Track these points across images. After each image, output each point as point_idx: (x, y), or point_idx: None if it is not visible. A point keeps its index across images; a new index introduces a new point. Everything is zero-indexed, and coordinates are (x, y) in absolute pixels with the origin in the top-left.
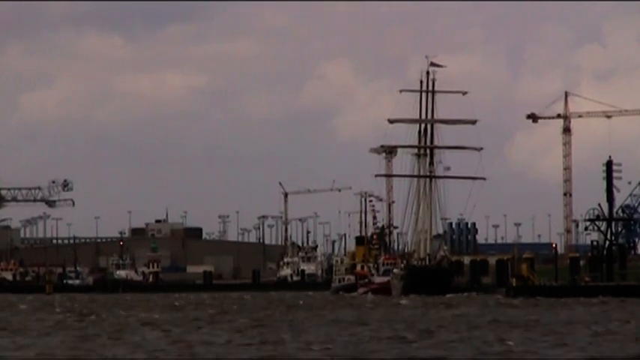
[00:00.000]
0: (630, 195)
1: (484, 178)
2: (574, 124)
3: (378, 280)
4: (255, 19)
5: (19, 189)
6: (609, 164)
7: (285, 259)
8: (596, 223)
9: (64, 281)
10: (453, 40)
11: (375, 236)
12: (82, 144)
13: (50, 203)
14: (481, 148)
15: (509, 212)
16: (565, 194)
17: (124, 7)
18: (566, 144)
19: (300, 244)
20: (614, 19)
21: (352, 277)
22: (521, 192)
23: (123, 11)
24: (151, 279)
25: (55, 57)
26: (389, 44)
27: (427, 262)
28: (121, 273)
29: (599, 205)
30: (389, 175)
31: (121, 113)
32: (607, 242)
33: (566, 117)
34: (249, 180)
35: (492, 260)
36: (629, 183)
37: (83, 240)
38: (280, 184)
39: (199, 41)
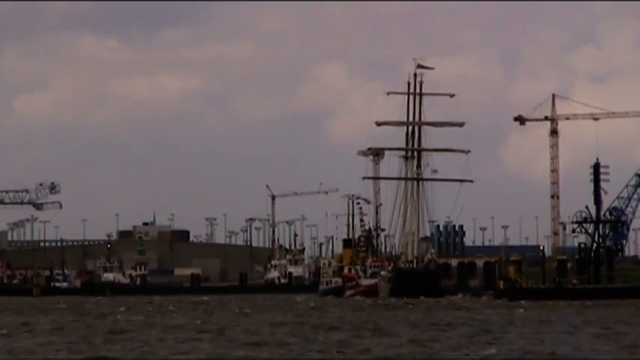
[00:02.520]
0: (618, 197)
1: (471, 181)
2: (562, 126)
3: (365, 282)
4: (250, 22)
5: (7, 191)
6: (596, 166)
7: (273, 262)
8: (584, 225)
9: (52, 284)
10: (448, 43)
11: (362, 239)
12: (73, 147)
13: (37, 206)
14: (468, 151)
15: (497, 215)
16: (552, 196)
17: (120, 10)
18: (554, 146)
19: (288, 247)
20: (609, 22)
21: (339, 280)
22: (509, 194)
23: (119, 14)
24: (138, 282)
25: (50, 60)
26: (384, 46)
27: (414, 265)
28: (109, 276)
29: (587, 207)
30: (376, 178)
31: (114, 116)
32: (594, 244)
33: (553, 119)
34: (236, 183)
35: (480, 263)
36: None
37: (70, 243)
38: (267, 186)
39: (194, 44)
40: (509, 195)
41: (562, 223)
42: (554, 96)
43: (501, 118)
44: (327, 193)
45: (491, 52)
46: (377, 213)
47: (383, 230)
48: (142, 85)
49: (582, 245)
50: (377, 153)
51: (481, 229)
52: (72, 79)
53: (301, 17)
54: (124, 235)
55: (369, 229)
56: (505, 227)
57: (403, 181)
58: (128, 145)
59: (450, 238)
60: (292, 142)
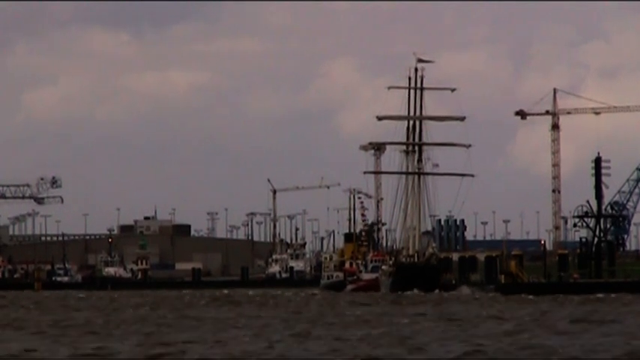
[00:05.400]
0: (619, 192)
1: (473, 175)
2: (564, 121)
3: (366, 276)
4: (260, 18)
5: (8, 186)
6: (598, 161)
7: (274, 256)
8: (585, 219)
9: (53, 278)
10: (458, 39)
11: (363, 233)
12: (79, 142)
13: (39, 200)
14: (470, 145)
15: (498, 209)
16: (554, 191)
17: (131, 5)
18: (555, 141)
19: (289, 241)
20: (617, 18)
21: (341, 274)
22: (511, 189)
23: (129, 9)
24: (139, 276)
25: (60, 54)
26: (394, 42)
27: (416, 259)
28: (110, 270)
29: (588, 201)
30: (377, 172)
31: (124, 111)
32: (596, 239)
33: (554, 114)
34: (237, 177)
35: (481, 257)
36: None
37: (72, 237)
38: (269, 180)
39: (204, 39)
40: (510, 189)
41: (563, 218)
42: (555, 90)
43: (505, 112)
44: (328, 187)
45: (501, 47)
46: (378, 207)
47: (384, 224)
48: (151, 79)
49: (583, 240)
50: (378, 147)
51: (482, 223)
52: (82, 73)
53: (310, 13)
54: (125, 229)
55: (371, 223)
56: (506, 222)
57: (404, 176)
58: (133, 139)
59: (451, 232)
60: (300, 137)
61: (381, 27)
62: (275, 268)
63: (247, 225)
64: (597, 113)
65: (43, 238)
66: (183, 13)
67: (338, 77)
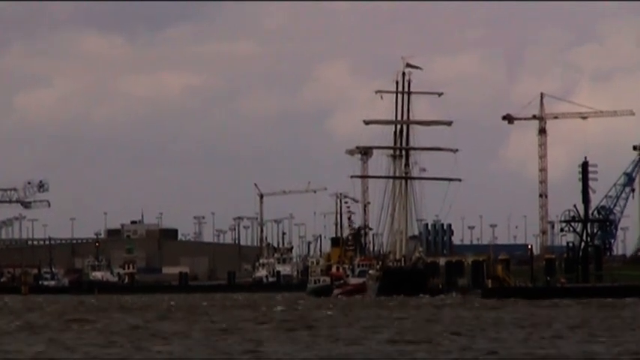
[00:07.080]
0: (606, 196)
1: (460, 180)
2: (551, 125)
3: (353, 281)
4: (255, 20)
5: None
6: (585, 165)
7: (261, 261)
8: (572, 224)
9: (40, 282)
10: (452, 41)
11: (350, 237)
12: (67, 145)
13: (26, 204)
14: (456, 150)
15: (485, 213)
16: (541, 195)
17: (125, 8)
18: (542, 145)
19: (276, 246)
20: (611, 20)
21: (328, 279)
22: (498, 193)
23: (124, 11)
24: (126, 280)
25: (55, 56)
26: (389, 45)
27: (403, 264)
28: (97, 274)
29: (575, 206)
30: (364, 177)
31: (118, 113)
32: (583, 243)
33: (541, 118)
34: (224, 181)
35: (468, 261)
36: None
37: (59, 241)
38: (256, 185)
39: (199, 41)
40: (497, 194)
41: (550, 222)
42: (542, 95)
43: (494, 116)
44: (315, 191)
45: (494, 50)
46: (365, 212)
47: (371, 229)
48: (144, 81)
49: (570, 244)
50: (365, 152)
51: (469, 227)
52: (76, 75)
53: (305, 15)
54: (112, 233)
55: (357, 227)
56: (493, 226)
57: (391, 180)
58: (120, 143)
59: (438, 236)
60: (290, 141)
61: (379, 28)
62: (262, 273)
63: (234, 229)
64: (584, 118)
65: (30, 242)
66: (176, 16)
67: (332, 80)
